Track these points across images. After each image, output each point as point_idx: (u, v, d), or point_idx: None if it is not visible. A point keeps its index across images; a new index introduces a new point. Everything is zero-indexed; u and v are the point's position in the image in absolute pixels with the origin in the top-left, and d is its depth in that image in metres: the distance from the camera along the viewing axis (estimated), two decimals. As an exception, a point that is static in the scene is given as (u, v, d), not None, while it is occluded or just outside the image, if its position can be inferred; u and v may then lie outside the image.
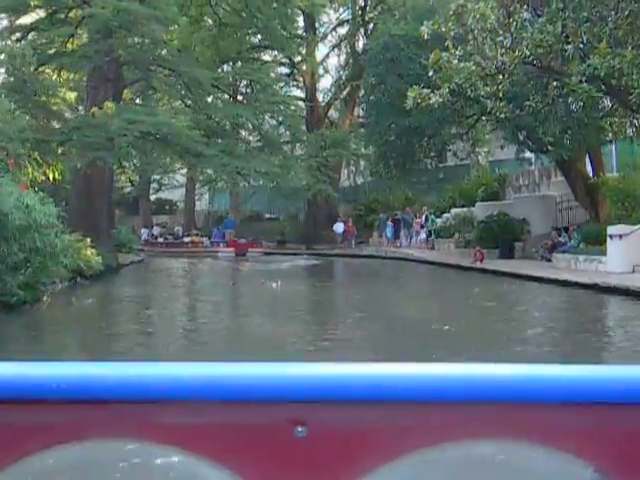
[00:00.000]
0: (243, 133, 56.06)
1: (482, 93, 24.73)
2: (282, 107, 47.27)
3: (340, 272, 49.02)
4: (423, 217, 58.13)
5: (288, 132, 61.38)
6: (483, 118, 40.52)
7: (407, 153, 42.84)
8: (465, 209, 51.07)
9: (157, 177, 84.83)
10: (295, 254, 61.36)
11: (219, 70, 47.64)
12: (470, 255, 42.98)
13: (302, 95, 71.76)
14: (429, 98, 22.75)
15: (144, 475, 1.92)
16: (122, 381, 1.87)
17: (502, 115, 27.84)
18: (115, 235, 54.07)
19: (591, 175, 41.85)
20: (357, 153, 64.86)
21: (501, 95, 25.59)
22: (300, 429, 1.82)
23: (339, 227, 65.87)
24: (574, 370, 1.90)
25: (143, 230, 78.81)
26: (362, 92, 52.43)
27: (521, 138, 39.07)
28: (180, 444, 1.85)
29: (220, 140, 43.68)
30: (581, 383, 1.86)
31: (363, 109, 52.83)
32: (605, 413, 1.83)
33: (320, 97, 72.93)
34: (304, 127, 68.15)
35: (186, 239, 70.44)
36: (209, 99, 45.29)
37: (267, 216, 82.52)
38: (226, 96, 49.52)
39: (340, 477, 1.82)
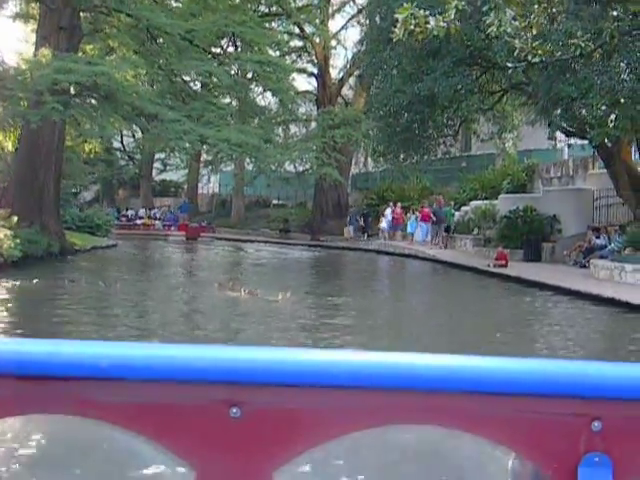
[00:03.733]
0: (227, 100, 47.81)
1: (507, 29, 16.40)
2: (270, 70, 38.51)
3: (309, 270, 40.60)
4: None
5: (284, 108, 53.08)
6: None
7: (414, 128, 34.28)
8: (487, 202, 44.35)
9: (162, 156, 76.86)
10: (266, 242, 58.89)
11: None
12: (489, 255, 37.28)
13: (315, 71, 64.31)
14: (426, 23, 14.38)
15: (83, 451, 2.86)
16: (62, 358, 1.82)
17: (534, 59, 19.44)
18: (82, 216, 47.98)
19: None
20: (370, 135, 56.35)
21: (534, 32, 17.24)
22: (235, 410, 1.81)
23: (388, 212, 55.86)
24: (498, 362, 1.89)
25: (129, 212, 74.74)
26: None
27: (556, 114, 30.71)
28: (118, 422, 1.85)
29: (188, 105, 35.41)
30: (504, 375, 1.86)
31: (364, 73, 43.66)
32: (525, 403, 1.84)
33: (334, 74, 65.10)
34: (314, 105, 62.93)
35: (138, 221, 69.42)
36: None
37: (274, 202, 74.79)
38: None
39: (273, 458, 1.84)
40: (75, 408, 1.85)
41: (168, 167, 79.69)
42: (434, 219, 48.89)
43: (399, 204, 55.29)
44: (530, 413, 1.86)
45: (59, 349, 1.85)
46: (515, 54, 18.41)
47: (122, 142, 77.78)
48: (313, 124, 62.26)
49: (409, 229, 52.44)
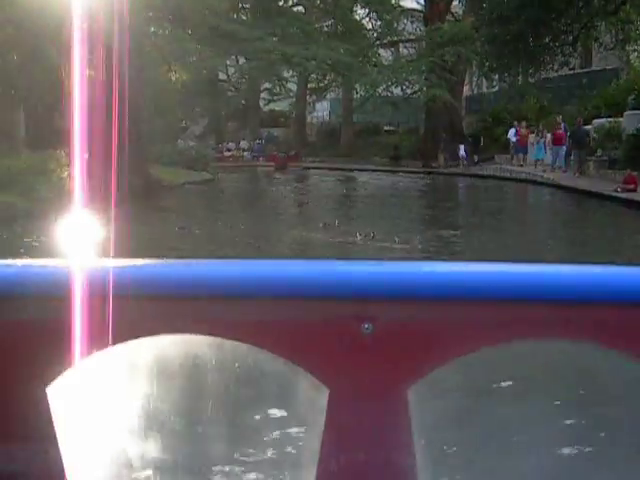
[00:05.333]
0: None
1: None
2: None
3: (420, 201, 36.68)
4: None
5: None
6: None
7: (527, 36, 30.06)
8: (611, 119, 39.74)
9: (268, 86, 73.57)
10: (375, 170, 54.64)
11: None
12: (615, 179, 32.97)
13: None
14: None
15: (217, 371, 2.17)
16: (192, 278, 1.86)
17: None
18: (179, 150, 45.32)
19: None
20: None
21: None
22: (366, 326, 1.79)
23: (512, 133, 49.82)
24: (634, 270, 1.81)
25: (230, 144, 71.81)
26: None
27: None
28: (250, 340, 1.86)
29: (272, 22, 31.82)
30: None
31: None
32: None
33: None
34: (422, 24, 58.52)
35: (227, 153, 67.02)
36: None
37: (385, 128, 70.89)
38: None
39: (407, 374, 1.82)
40: (206, 327, 1.84)
41: (275, 97, 76.52)
42: (570, 142, 41.80)
43: (524, 123, 48.86)
44: None
45: (188, 269, 1.89)
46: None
47: (227, 72, 74.57)
48: (422, 44, 58.07)
49: (537, 154, 46.10)
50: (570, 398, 4.85)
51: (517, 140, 48.47)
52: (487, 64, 36.39)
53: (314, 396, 1.87)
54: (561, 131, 42.68)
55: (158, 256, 2.00)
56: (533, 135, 46.94)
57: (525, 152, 47.92)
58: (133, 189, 30.33)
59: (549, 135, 44.52)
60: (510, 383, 5.39)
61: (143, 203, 29.26)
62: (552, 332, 1.82)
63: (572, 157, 40.62)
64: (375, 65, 48.72)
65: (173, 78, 43.09)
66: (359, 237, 19.55)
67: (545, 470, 2.86)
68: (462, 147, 55.37)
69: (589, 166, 38.77)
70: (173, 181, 37.70)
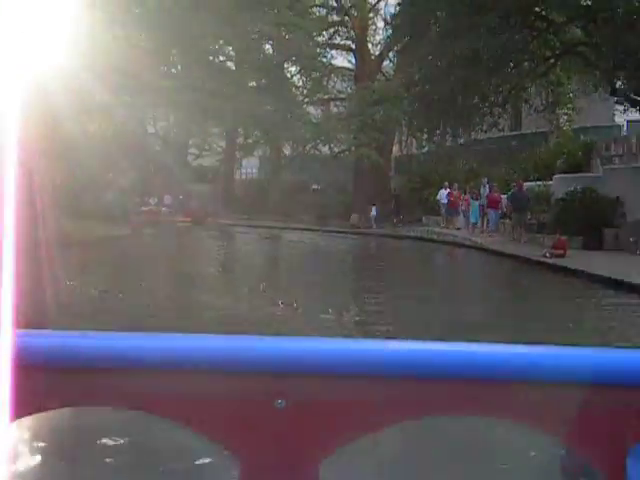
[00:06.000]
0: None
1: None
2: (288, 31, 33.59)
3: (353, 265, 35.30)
4: (485, 190, 43.84)
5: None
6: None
7: (455, 96, 29.08)
8: (540, 183, 39.32)
9: (197, 142, 72.46)
10: (303, 229, 53.37)
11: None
12: (544, 243, 32.56)
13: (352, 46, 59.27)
14: None
15: (128, 441, 3.20)
16: (107, 351, 1.86)
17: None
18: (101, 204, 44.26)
19: None
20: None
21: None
22: (279, 401, 1.81)
23: (443, 195, 48.91)
24: (546, 351, 1.90)
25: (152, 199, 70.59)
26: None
27: (621, 78, 25.73)
28: (163, 413, 1.87)
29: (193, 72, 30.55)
30: (552, 364, 1.85)
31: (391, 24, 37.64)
32: (573, 392, 1.81)
33: (374, 51, 59.80)
34: (353, 83, 57.29)
35: (145, 208, 65.50)
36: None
37: (314, 187, 69.71)
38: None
39: (319, 449, 1.84)
40: (120, 399, 1.84)
41: (204, 152, 75.33)
42: (505, 206, 39.98)
43: (456, 185, 48.39)
44: (579, 402, 1.81)
45: (105, 342, 1.87)
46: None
47: (155, 126, 73.24)
48: (352, 103, 57.29)
49: (472, 218, 44.77)
50: (482, 473, 5.69)
51: (448, 202, 47.46)
52: (415, 123, 35.27)
53: (227, 469, 1.95)
54: (497, 194, 41.35)
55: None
56: (467, 197, 45.76)
57: (457, 214, 46.83)
58: (32, 244, 28.71)
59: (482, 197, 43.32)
60: (421, 458, 6.19)
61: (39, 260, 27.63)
62: (460, 408, 1.86)
63: (511, 221, 38.82)
64: (304, 122, 47.83)
65: (91, 128, 41.95)
66: (281, 306, 17.83)
67: None
68: (374, 208, 54.65)
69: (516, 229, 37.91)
70: (86, 236, 35.94)
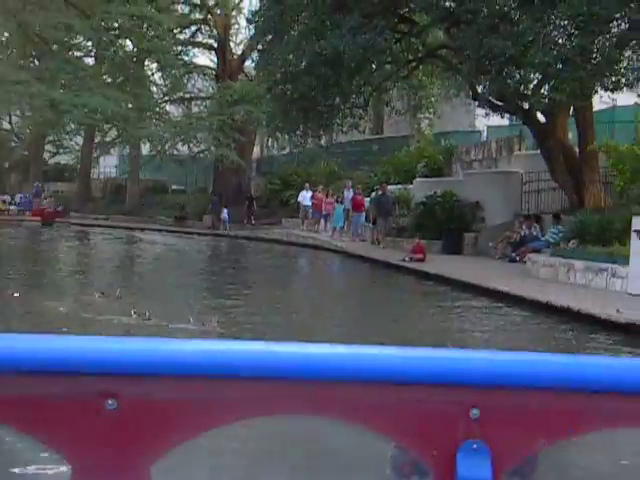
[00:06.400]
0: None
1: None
2: (145, 26, 32.43)
3: (204, 266, 34.28)
4: (348, 193, 42.53)
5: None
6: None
7: (315, 95, 28.28)
8: (400, 186, 39.00)
9: (54, 138, 70.17)
10: (159, 230, 53.15)
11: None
12: (403, 247, 32.14)
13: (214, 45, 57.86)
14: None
15: None
16: None
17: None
18: None
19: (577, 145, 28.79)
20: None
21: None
22: (111, 402, 1.76)
23: (305, 197, 47.44)
24: (379, 351, 1.90)
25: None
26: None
27: (483, 83, 25.51)
28: None
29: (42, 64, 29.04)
30: (384, 363, 1.86)
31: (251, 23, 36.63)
32: (404, 392, 1.84)
33: (237, 50, 58.60)
34: (215, 81, 56.63)
35: None
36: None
37: (173, 187, 68.57)
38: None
39: (151, 451, 1.81)
40: None
41: (61, 149, 73.19)
42: (369, 210, 38.61)
43: (321, 187, 46.98)
44: (409, 401, 1.86)
45: None
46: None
47: (10, 122, 70.89)
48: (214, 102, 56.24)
49: (337, 221, 42.69)
50: (315, 472, 5.77)
51: (312, 204, 46.27)
52: (274, 123, 34.34)
53: (57, 472, 1.81)
54: (361, 197, 40.04)
55: None
56: (331, 200, 44.41)
57: (320, 217, 45.55)
58: None
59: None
60: (254, 459, 6.34)
61: None
62: (295, 408, 1.87)
63: (374, 225, 37.52)
64: (162, 121, 46.70)
65: None
66: (134, 315, 16.64)
67: None
68: (225, 210, 53.79)
69: (376, 233, 37.36)
70: None
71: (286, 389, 1.82)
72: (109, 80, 37.55)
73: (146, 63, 54.15)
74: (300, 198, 47.00)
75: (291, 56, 27.55)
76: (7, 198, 66.24)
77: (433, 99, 42.47)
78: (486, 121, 42.17)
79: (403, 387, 1.83)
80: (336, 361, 1.84)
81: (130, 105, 31.49)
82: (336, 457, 6.41)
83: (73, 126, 54.99)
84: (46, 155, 75.57)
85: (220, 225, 53.83)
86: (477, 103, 30.23)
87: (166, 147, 51.85)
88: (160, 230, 53.11)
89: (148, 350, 1.83)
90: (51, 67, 28.56)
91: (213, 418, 1.84)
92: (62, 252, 36.34)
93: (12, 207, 64.10)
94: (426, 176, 39.25)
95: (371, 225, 37.93)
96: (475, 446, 1.82)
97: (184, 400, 1.82)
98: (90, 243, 43.91)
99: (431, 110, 44.40)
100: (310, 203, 46.29)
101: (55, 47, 33.29)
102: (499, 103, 28.15)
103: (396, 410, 1.85)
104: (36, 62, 29.72)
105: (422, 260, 28.32)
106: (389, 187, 37.91)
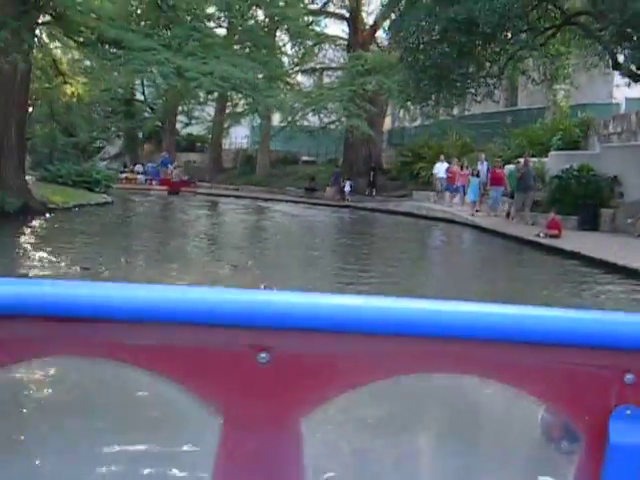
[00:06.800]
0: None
1: None
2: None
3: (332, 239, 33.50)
4: (483, 166, 41.05)
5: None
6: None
7: (448, 63, 27.27)
8: (535, 159, 37.25)
9: (186, 109, 70.43)
10: (287, 201, 52.52)
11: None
12: (537, 222, 31.07)
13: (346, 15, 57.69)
14: None
15: (110, 393, 2.54)
16: (90, 300, 1.81)
17: None
18: (79, 170, 44.73)
19: None
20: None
21: None
22: (263, 355, 1.80)
23: (440, 170, 45.47)
24: (532, 312, 1.87)
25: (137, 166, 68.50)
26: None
27: (623, 57, 24.19)
28: (146, 365, 1.85)
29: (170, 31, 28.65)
30: (537, 324, 1.83)
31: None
32: (557, 354, 1.82)
33: (370, 20, 58.48)
34: (346, 52, 56.06)
35: (121, 175, 63.48)
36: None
37: (304, 158, 68.14)
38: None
39: (301, 404, 1.84)
40: (103, 350, 1.83)
41: (193, 120, 73.42)
42: (516, 183, 34.93)
43: (455, 159, 45.08)
44: (562, 364, 1.83)
45: (88, 291, 1.83)
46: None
47: (144, 93, 71.43)
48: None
49: (471, 195, 40.56)
50: (457, 431, 5.54)
51: (447, 177, 44.56)
52: (405, 92, 33.41)
53: (208, 424, 1.87)
54: (500, 170, 37.64)
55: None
56: (466, 173, 42.86)
57: (455, 191, 43.96)
58: (6, 207, 27.14)
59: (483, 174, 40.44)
60: (403, 416, 6.16)
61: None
62: (445, 367, 1.87)
63: (514, 199, 35.27)
64: (294, 91, 46.26)
65: (68, 91, 40.33)
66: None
67: None
68: (348, 183, 53.66)
69: (509, 207, 36.19)
70: (64, 202, 34.22)
71: (438, 347, 1.80)
72: (237, 48, 36.97)
73: (277, 34, 54.06)
74: (435, 170, 45.76)
75: (424, 23, 26.65)
76: (139, 167, 66.84)
77: (570, 69, 40.86)
78: (625, 93, 40.61)
79: (556, 349, 1.79)
80: (489, 320, 1.80)
81: (260, 75, 30.92)
82: (484, 418, 6.13)
83: (202, 96, 55.16)
84: (178, 126, 75.87)
85: (340, 197, 53.72)
86: (617, 73, 28.90)
87: (297, 118, 51.36)
88: (287, 201, 52.88)
89: (301, 304, 1.82)
90: (179, 34, 28.20)
91: (364, 374, 1.83)
92: (187, 222, 36.14)
93: (140, 176, 64.56)
94: (561, 149, 37.73)
95: (508, 199, 36.52)
96: (628, 412, 1.77)
97: (336, 355, 1.82)
98: (215, 213, 43.85)
99: (568, 81, 42.81)
100: (445, 175, 44.78)
101: (186, 16, 32.87)
102: (641, 72, 26.84)
103: (548, 372, 1.83)
104: (165, 32, 29.37)
105: (557, 236, 27.24)
106: (522, 160, 36.64)
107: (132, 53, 25.50)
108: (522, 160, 35.07)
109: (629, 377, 1.77)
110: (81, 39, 27.64)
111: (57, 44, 41.22)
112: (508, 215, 35.31)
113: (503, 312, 1.84)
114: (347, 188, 53.65)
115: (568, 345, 1.80)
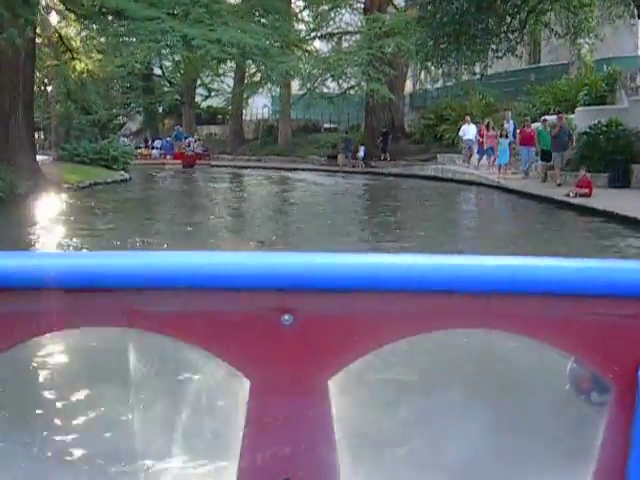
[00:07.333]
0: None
1: None
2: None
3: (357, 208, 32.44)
4: (509, 126, 39.16)
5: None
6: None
7: (467, 18, 26.05)
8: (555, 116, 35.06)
9: (205, 81, 69.54)
10: (310, 170, 51.78)
11: None
12: (566, 181, 30.03)
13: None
14: None
15: (133, 360, 2.21)
16: (109, 269, 1.81)
17: None
18: (96, 148, 44.34)
19: None
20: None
21: None
22: (287, 317, 1.79)
23: (467, 131, 43.17)
24: (555, 262, 1.88)
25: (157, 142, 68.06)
26: None
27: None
28: (169, 331, 1.84)
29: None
30: (562, 275, 1.82)
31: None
32: (583, 305, 1.81)
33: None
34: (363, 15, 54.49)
35: (136, 151, 61.95)
36: None
37: (325, 126, 67.19)
38: None
39: (328, 365, 1.83)
40: (124, 319, 1.83)
41: (213, 93, 72.48)
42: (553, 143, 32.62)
43: (487, 120, 41.98)
44: (589, 315, 1.82)
45: (105, 261, 1.84)
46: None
47: (162, 67, 70.60)
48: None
49: (502, 157, 38.23)
50: (485, 387, 5.90)
51: (477, 140, 42.09)
52: (424, 51, 32.15)
53: (235, 388, 1.89)
54: (530, 129, 35.39)
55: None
56: (494, 134, 40.11)
57: (485, 153, 41.19)
58: (16, 190, 26.29)
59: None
60: (430, 373, 6.54)
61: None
62: (470, 322, 1.86)
63: (554, 159, 32.78)
64: (312, 58, 45.33)
65: (78, 67, 39.43)
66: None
67: (466, 460, 3.03)
68: (362, 149, 53.16)
69: (536, 166, 34.92)
70: (79, 181, 33.32)
71: (461, 302, 1.78)
72: (249, 14, 35.85)
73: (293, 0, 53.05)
74: (461, 132, 44.07)
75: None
76: (158, 143, 66.51)
77: (594, 22, 39.52)
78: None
79: (583, 300, 1.77)
80: (511, 273, 1.78)
81: (273, 41, 29.86)
82: (512, 372, 6.29)
83: (220, 67, 54.22)
84: (198, 99, 75.06)
85: (355, 163, 53.28)
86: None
87: (316, 85, 50.33)
88: (310, 169, 52.16)
89: (322, 265, 1.80)
90: (184, 1, 27.11)
91: (389, 333, 1.81)
92: (207, 196, 35.19)
93: (154, 151, 64.30)
94: (588, 105, 36.45)
95: (539, 161, 34.86)
96: None
97: (360, 315, 1.80)
98: (233, 186, 42.87)
99: (592, 34, 41.46)
100: (473, 137, 42.59)
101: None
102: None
103: (576, 324, 1.81)
104: (170, 0, 28.38)
105: (588, 195, 26.12)
106: (549, 117, 35.31)
107: (135, 23, 24.55)
108: (548, 118, 33.76)
109: None
110: (81, 12, 26.64)
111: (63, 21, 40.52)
112: (545, 178, 33.53)
113: (526, 264, 1.82)
114: (361, 154, 53.07)
115: (593, 295, 1.76)
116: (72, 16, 27.21)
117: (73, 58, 40.48)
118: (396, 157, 52.26)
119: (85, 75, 43.13)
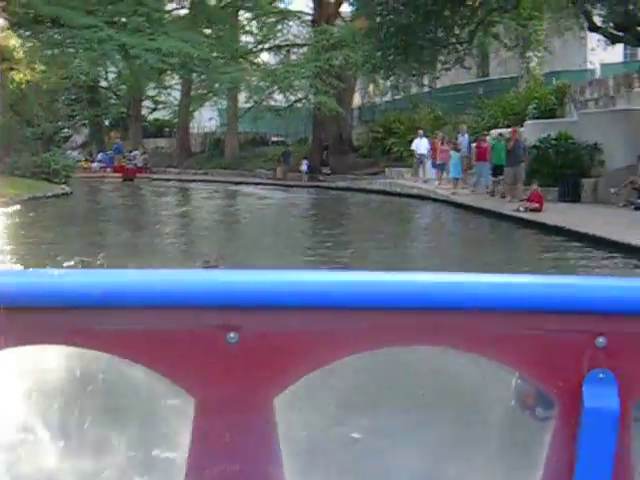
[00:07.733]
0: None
1: None
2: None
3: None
4: (464, 139, 38.22)
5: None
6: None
7: (414, 29, 25.48)
8: (510, 130, 35.06)
9: (152, 94, 68.75)
10: (256, 184, 51.56)
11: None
12: (514, 195, 29.69)
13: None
14: None
15: (79, 381, 2.23)
16: (51, 288, 1.79)
17: None
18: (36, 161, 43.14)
19: None
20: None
21: None
22: (232, 335, 1.79)
23: (419, 146, 42.09)
24: (500, 279, 1.90)
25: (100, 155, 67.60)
26: None
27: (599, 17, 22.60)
28: (114, 350, 1.84)
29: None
30: (505, 291, 1.84)
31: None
32: (527, 320, 1.83)
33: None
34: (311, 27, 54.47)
35: (78, 163, 61.78)
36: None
37: (273, 139, 66.33)
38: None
39: (273, 383, 1.84)
40: (70, 338, 1.81)
41: (160, 105, 71.67)
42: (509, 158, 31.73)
43: (440, 134, 41.08)
44: (533, 330, 1.83)
45: (52, 279, 1.82)
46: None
47: (107, 79, 69.56)
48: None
49: (455, 171, 37.01)
50: (430, 403, 5.62)
51: (430, 154, 41.10)
52: (371, 62, 31.51)
53: (180, 407, 1.88)
54: (486, 144, 34.28)
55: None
56: (446, 148, 38.84)
57: (438, 167, 39.77)
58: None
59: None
60: (376, 391, 6.21)
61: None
62: (417, 339, 1.87)
63: (505, 173, 31.99)
64: (258, 70, 44.77)
65: (17, 78, 38.47)
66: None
67: (412, 477, 3.09)
68: (304, 162, 52.89)
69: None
70: (16, 196, 32.27)
71: (407, 319, 1.79)
72: (190, 23, 35.12)
73: (240, 12, 52.38)
74: (414, 146, 43.14)
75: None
76: (101, 156, 65.75)
77: (543, 34, 39.31)
78: (601, 57, 39.18)
79: (526, 316, 1.78)
80: (457, 290, 1.79)
81: (217, 53, 29.12)
82: (457, 389, 5.79)
83: (166, 80, 53.46)
84: (145, 112, 74.14)
85: (298, 176, 53.02)
86: (593, 36, 27.27)
87: (263, 97, 49.70)
88: (257, 183, 51.72)
89: (268, 282, 1.79)
90: (123, 10, 26.27)
91: (335, 350, 1.81)
92: (148, 211, 34.38)
93: (94, 164, 63.90)
94: (537, 118, 36.19)
95: (492, 177, 33.98)
96: (601, 375, 1.78)
97: (305, 332, 1.79)
98: (173, 200, 42.22)
99: (541, 47, 41.25)
100: (426, 152, 41.52)
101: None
102: (620, 34, 25.17)
103: (519, 340, 1.81)
104: (110, 9, 27.54)
105: (539, 210, 25.77)
106: (497, 131, 34.75)
107: (72, 31, 23.69)
108: (502, 132, 33.35)
109: (601, 340, 1.76)
110: (15, 19, 25.73)
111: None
112: (493, 193, 33.03)
113: (470, 280, 1.83)
114: (304, 167, 52.78)
115: (537, 311, 1.78)
116: (6, 25, 26.22)
117: (12, 69, 39.54)
118: (344, 171, 51.68)
119: (24, 86, 42.29)
